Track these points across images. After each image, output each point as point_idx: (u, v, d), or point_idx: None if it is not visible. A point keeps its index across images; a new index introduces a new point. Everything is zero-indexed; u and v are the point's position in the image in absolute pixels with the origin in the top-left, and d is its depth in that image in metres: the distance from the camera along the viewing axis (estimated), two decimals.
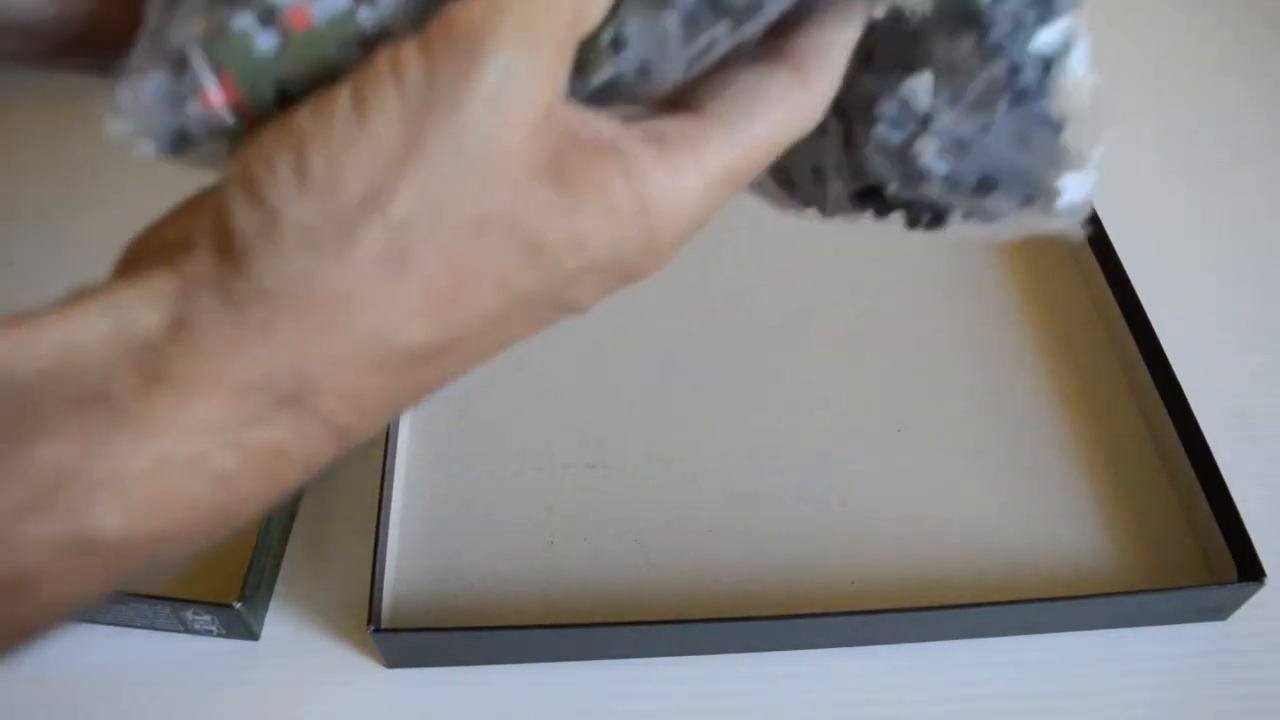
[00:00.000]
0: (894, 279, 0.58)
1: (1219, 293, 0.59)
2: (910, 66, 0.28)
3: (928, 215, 0.31)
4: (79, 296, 0.21)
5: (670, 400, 0.53)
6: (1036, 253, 0.60)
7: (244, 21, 0.21)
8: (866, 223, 0.34)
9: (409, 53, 0.19)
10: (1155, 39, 0.76)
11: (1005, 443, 0.51)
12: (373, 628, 0.42)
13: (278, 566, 0.47)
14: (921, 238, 0.41)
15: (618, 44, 0.23)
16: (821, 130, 0.27)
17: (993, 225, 0.30)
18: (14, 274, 0.58)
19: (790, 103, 0.24)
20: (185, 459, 0.19)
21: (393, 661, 0.44)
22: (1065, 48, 0.28)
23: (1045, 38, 0.28)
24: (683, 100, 0.24)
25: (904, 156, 0.28)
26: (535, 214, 0.21)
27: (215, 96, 0.22)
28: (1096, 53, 0.28)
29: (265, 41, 0.21)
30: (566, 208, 0.21)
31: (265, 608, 0.46)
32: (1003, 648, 0.45)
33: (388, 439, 0.47)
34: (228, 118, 0.22)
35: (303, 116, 0.20)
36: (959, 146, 0.28)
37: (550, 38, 0.20)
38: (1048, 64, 0.28)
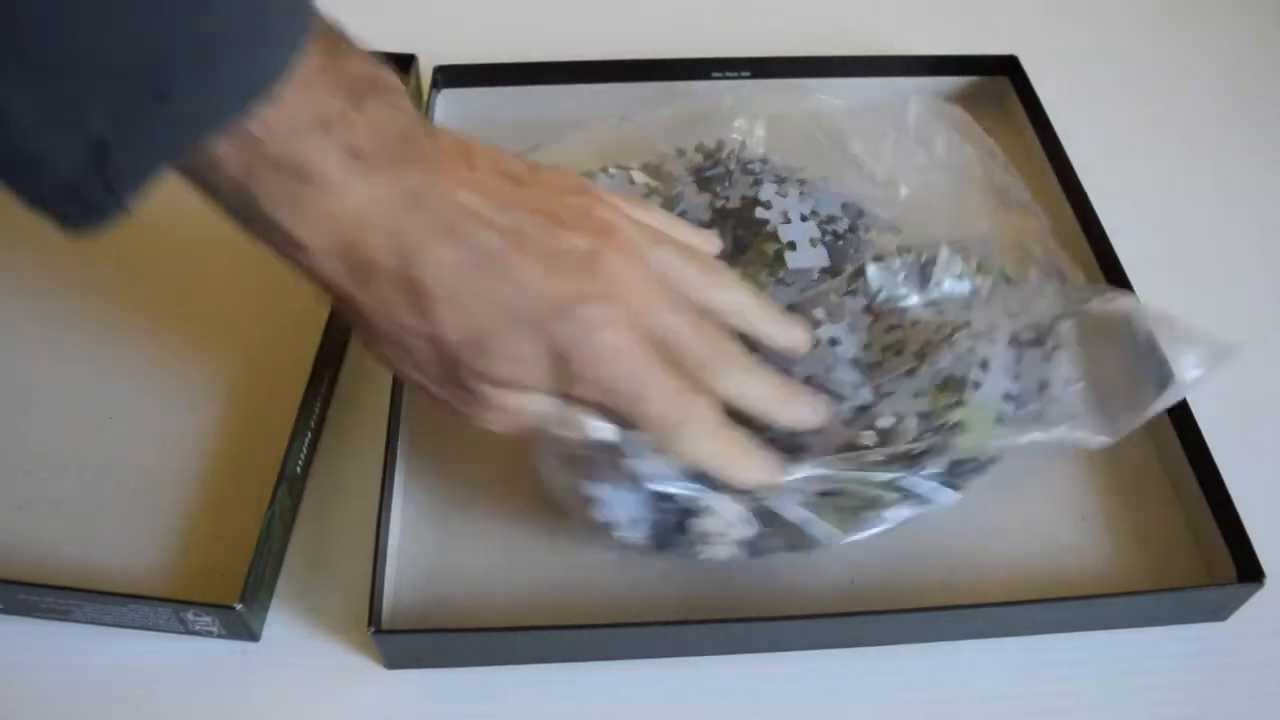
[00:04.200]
0: None
1: (1219, 292, 0.59)
2: None
3: None
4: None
5: None
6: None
7: None
8: None
9: None
10: (1158, 41, 0.76)
11: None
12: (373, 629, 0.42)
13: (278, 567, 0.47)
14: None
15: None
16: None
17: None
18: (13, 276, 0.58)
19: None
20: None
21: (393, 663, 0.44)
22: None
23: None
24: None
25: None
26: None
27: None
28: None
29: None
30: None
31: (266, 609, 0.46)
32: (1003, 648, 0.45)
33: (388, 439, 0.47)
34: None
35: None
36: None
37: None
38: None
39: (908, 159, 0.57)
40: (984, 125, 0.68)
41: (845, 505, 0.43)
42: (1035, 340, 0.47)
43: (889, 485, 0.43)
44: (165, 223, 0.61)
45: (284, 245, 0.36)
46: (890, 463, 0.43)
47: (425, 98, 0.67)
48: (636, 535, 0.43)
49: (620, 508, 0.42)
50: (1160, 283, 0.57)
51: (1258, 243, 0.62)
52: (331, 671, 0.44)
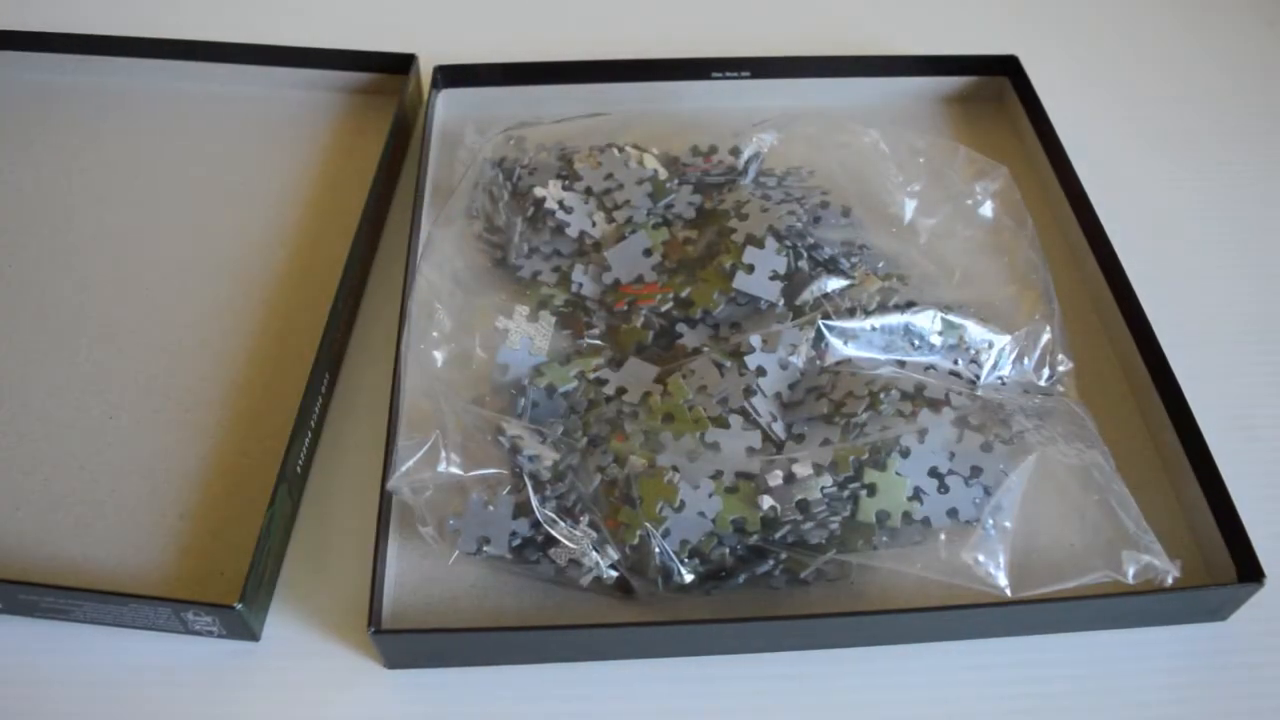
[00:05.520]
0: None
1: (1219, 292, 0.59)
2: None
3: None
4: None
5: None
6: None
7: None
8: None
9: None
10: (1157, 41, 0.76)
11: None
12: (373, 629, 0.42)
13: (278, 568, 0.47)
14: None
15: None
16: None
17: None
18: (15, 274, 0.58)
19: None
20: None
21: (393, 662, 0.44)
22: None
23: None
24: None
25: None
26: None
27: None
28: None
29: None
30: None
31: (266, 609, 0.46)
32: (1003, 648, 0.45)
33: (388, 440, 0.47)
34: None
35: None
36: None
37: None
38: None
39: (938, 211, 0.57)
40: (984, 125, 0.68)
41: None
42: (980, 428, 0.47)
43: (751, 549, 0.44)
44: (165, 225, 0.61)
45: None
46: (768, 527, 0.44)
47: (425, 98, 0.67)
48: (499, 548, 0.45)
49: (479, 529, 0.45)
50: (1162, 281, 0.57)
51: (1256, 242, 0.62)
52: (331, 671, 0.44)
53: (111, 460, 0.50)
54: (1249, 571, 0.44)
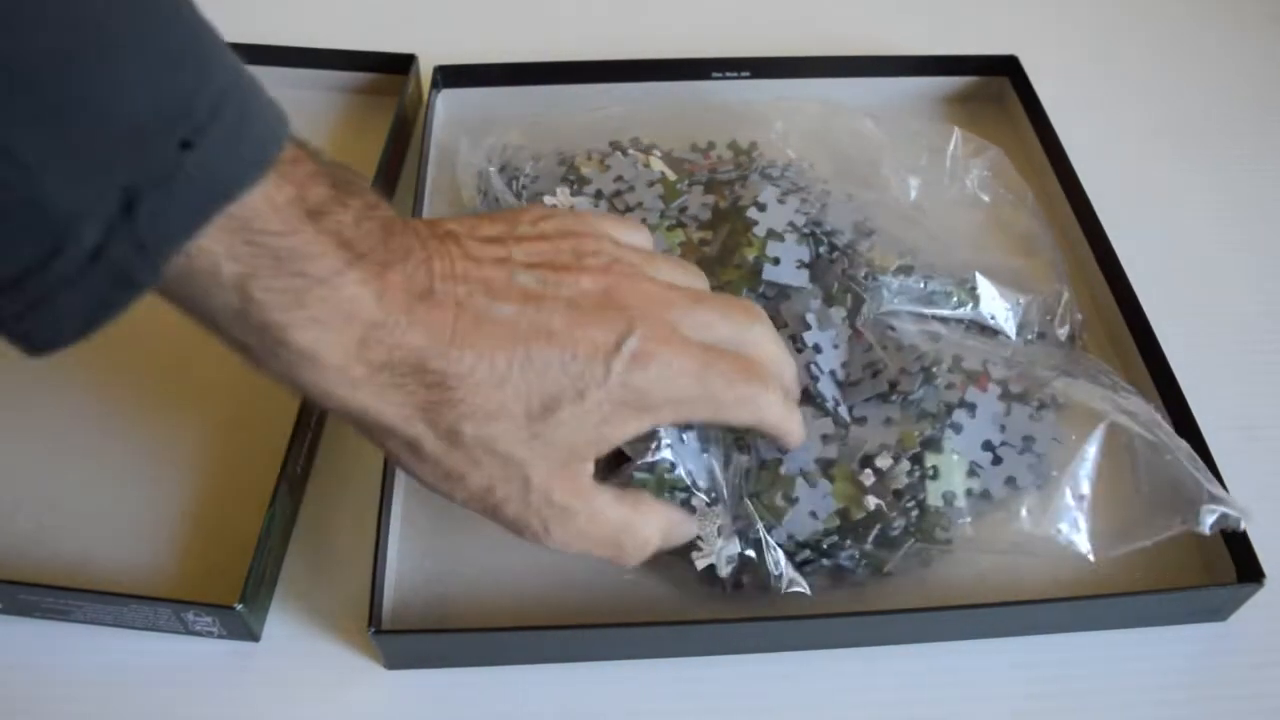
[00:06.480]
0: None
1: (1220, 293, 0.59)
2: None
3: None
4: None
5: None
6: (1035, 252, 0.59)
7: None
8: None
9: None
10: (1158, 41, 0.76)
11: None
12: (373, 629, 0.42)
13: (279, 568, 0.47)
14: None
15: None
16: None
17: None
18: None
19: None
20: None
21: (393, 663, 0.44)
22: None
23: None
24: None
25: None
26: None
27: None
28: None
29: None
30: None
31: (266, 609, 0.46)
32: (1003, 648, 0.45)
33: None
34: None
35: None
36: None
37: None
38: None
39: (939, 190, 0.57)
40: (984, 125, 0.68)
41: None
42: (1023, 395, 0.47)
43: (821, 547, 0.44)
44: None
45: (293, 366, 0.33)
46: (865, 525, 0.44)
47: (425, 98, 0.67)
48: None
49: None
50: (1162, 282, 0.57)
51: (1257, 243, 0.62)
52: (331, 671, 0.44)
53: (111, 460, 0.50)
54: (1249, 571, 0.44)
